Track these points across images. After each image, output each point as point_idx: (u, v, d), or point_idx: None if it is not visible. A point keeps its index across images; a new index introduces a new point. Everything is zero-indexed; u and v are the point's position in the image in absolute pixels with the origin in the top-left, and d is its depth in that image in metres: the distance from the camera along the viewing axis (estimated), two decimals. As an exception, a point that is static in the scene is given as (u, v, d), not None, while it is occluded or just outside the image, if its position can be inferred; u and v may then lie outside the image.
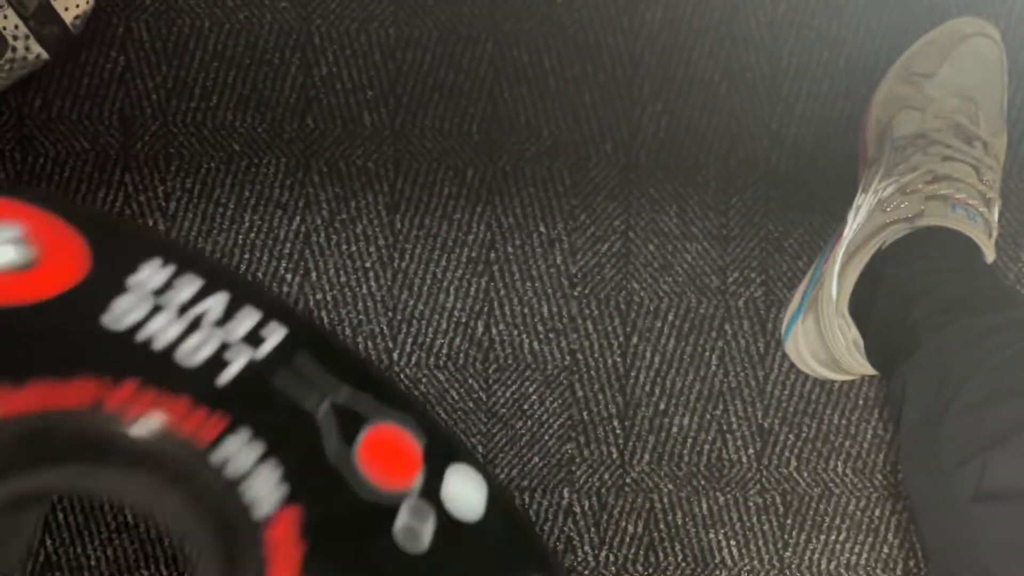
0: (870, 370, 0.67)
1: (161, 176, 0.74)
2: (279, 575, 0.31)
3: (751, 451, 0.75)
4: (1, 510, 0.32)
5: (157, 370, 0.33)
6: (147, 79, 0.74)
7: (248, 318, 0.37)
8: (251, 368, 0.35)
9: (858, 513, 0.75)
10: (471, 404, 0.74)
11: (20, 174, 0.73)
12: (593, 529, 0.74)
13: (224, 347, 0.35)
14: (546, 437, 0.75)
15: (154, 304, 0.35)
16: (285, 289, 0.74)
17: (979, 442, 0.48)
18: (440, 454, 0.38)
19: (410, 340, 0.74)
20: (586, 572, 0.74)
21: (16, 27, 0.66)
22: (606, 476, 0.75)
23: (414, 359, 0.74)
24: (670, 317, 0.75)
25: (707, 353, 0.75)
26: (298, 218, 0.74)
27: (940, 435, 0.50)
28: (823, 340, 0.68)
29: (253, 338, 0.37)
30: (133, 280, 0.35)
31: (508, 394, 0.74)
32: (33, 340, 0.32)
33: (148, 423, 0.32)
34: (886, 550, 0.75)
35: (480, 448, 0.74)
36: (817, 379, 0.75)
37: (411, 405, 0.39)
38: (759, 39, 0.77)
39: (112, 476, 0.33)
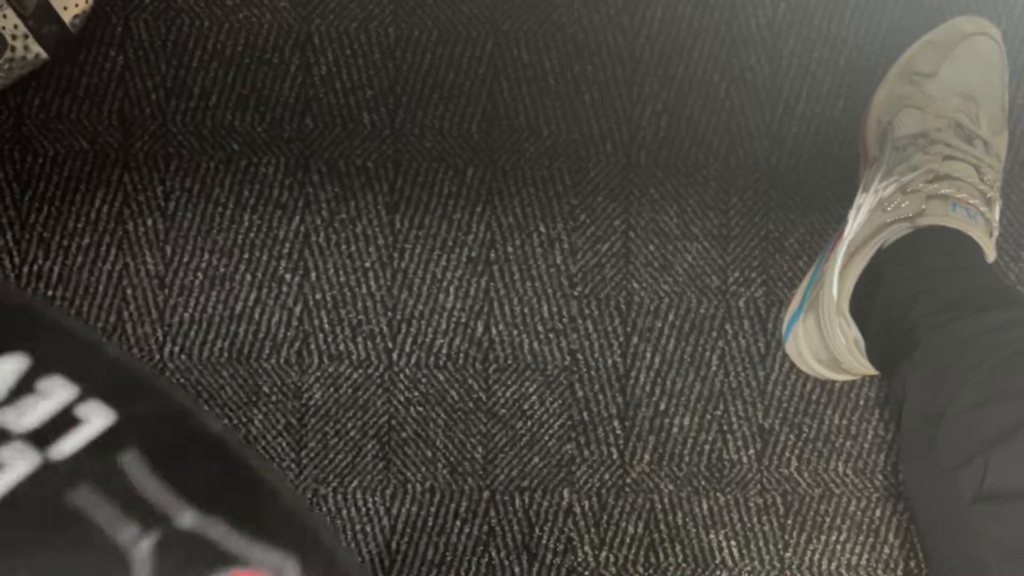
0: (871, 370, 0.66)
1: (160, 176, 0.74)
2: None
3: (752, 451, 0.75)
4: None
5: None
6: (146, 78, 0.74)
7: (53, 395, 0.24)
8: (39, 477, 0.23)
9: (859, 514, 0.75)
10: (471, 404, 0.74)
11: (19, 174, 0.73)
12: (593, 530, 0.74)
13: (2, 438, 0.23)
14: (546, 437, 0.74)
15: None
16: (284, 289, 0.74)
17: (979, 442, 0.48)
18: None
19: (410, 340, 0.74)
20: (586, 573, 0.74)
21: (15, 26, 0.66)
22: (606, 476, 0.74)
23: (414, 359, 0.74)
24: (670, 317, 0.75)
25: (707, 353, 0.75)
26: (297, 218, 0.74)
27: (939, 435, 0.50)
28: (824, 340, 0.68)
29: (54, 428, 0.24)
30: None
31: (508, 394, 0.74)
32: None
33: None
34: (887, 551, 0.75)
35: (480, 449, 0.74)
36: (818, 379, 0.75)
37: (308, 524, 0.25)
38: (759, 39, 0.76)
39: None
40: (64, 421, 0.23)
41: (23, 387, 0.23)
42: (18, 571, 0.20)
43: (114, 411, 0.24)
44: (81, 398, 0.24)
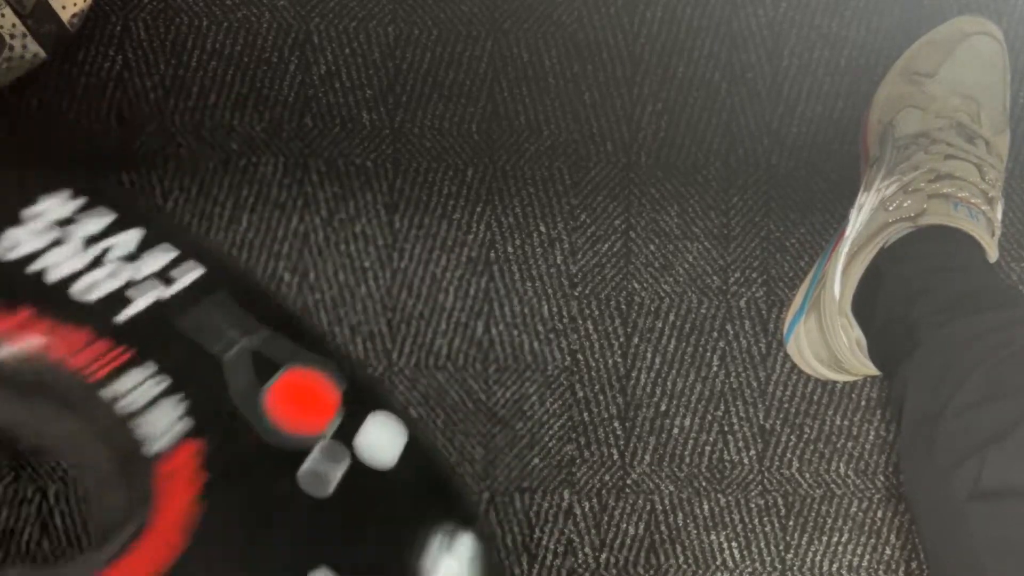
0: (873, 370, 0.66)
1: (159, 175, 0.73)
2: (167, 508, 0.30)
3: (753, 452, 0.75)
4: None
5: (51, 302, 0.33)
6: (145, 78, 0.74)
7: (161, 256, 0.37)
8: (157, 307, 0.35)
9: (860, 515, 0.75)
10: (471, 405, 0.74)
11: (17, 173, 0.73)
12: (594, 531, 0.74)
13: (129, 284, 0.35)
14: (546, 438, 0.74)
15: (54, 237, 0.35)
16: (283, 289, 0.74)
17: (976, 441, 0.48)
18: (362, 400, 0.38)
19: (409, 340, 0.74)
20: (587, 574, 0.74)
21: (14, 25, 0.65)
22: (607, 477, 0.74)
23: (413, 360, 0.74)
24: (671, 317, 0.75)
25: (708, 354, 0.75)
26: (296, 217, 0.74)
27: (938, 434, 0.50)
28: (825, 340, 0.68)
29: (164, 276, 0.36)
30: (29, 212, 0.35)
31: (508, 395, 0.74)
32: None
33: (12, 348, 0.32)
34: (888, 552, 0.75)
35: (480, 449, 0.74)
36: (819, 380, 0.75)
37: (334, 352, 0.38)
38: (760, 38, 0.76)
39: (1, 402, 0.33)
40: (169, 273, 0.36)
41: (142, 249, 0.36)
42: (145, 361, 0.32)
43: (203, 267, 0.37)
44: (181, 257, 0.36)
